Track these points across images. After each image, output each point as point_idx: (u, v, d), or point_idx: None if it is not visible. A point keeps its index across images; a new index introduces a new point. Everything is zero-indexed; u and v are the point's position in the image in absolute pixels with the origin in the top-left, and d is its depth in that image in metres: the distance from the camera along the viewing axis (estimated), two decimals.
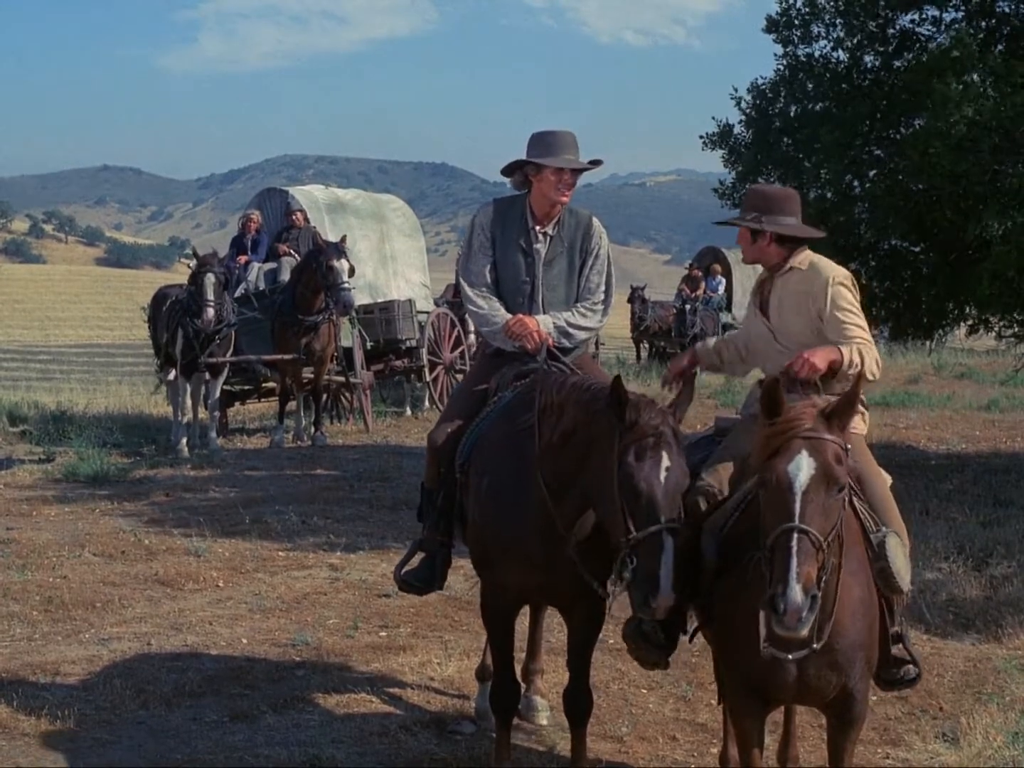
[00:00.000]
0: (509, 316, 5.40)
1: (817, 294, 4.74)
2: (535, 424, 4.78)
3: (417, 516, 5.74)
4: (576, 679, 5.13)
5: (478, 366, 5.66)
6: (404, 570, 5.60)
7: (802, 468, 3.82)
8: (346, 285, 13.83)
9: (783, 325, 4.87)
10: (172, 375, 14.50)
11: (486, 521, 4.98)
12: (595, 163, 5.51)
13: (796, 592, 3.66)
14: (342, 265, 13.84)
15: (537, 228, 5.48)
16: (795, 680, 4.11)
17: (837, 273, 4.80)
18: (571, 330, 5.47)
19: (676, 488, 4.29)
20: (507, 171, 5.56)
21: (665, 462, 4.28)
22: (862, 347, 4.63)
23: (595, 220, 5.59)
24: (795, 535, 3.73)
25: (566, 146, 5.38)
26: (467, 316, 18.08)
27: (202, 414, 14.72)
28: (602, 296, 5.56)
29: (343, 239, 14.37)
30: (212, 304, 13.34)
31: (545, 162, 5.35)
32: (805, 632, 3.74)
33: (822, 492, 3.81)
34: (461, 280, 5.65)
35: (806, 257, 4.89)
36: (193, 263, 14.00)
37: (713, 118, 12.90)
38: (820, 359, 4.53)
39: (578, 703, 5.11)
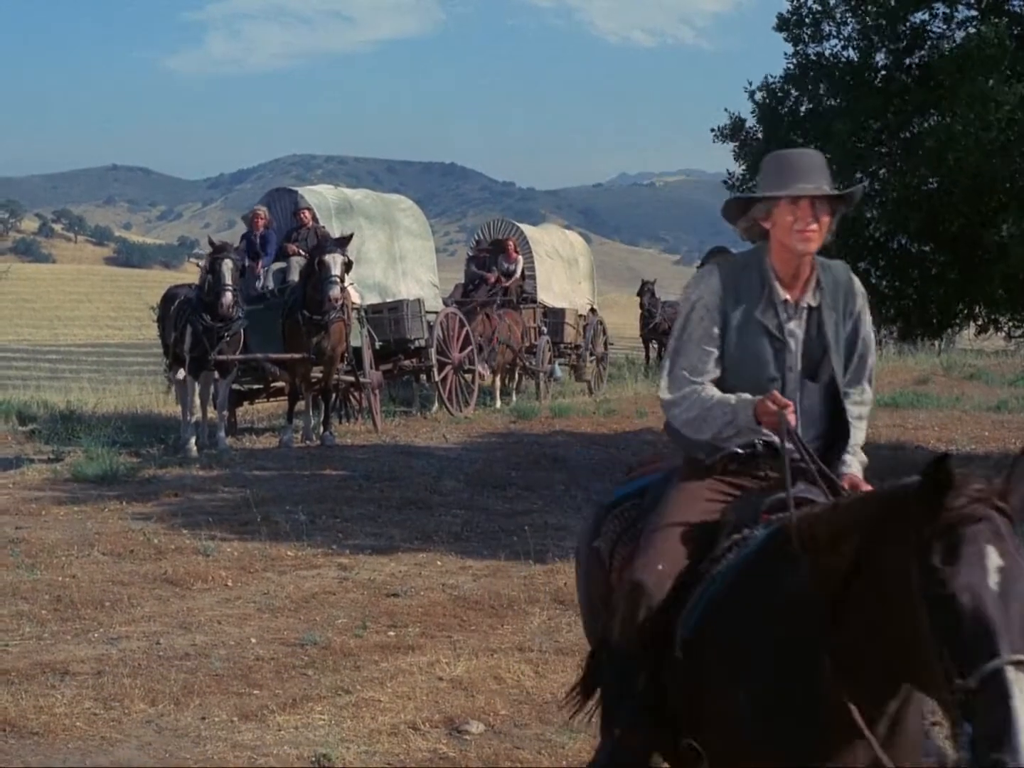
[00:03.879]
0: (744, 396, 3.72)
1: None
2: (810, 580, 3.20)
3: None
4: None
5: (695, 487, 3.82)
6: None
7: None
8: (333, 278, 13.86)
9: None
10: (181, 375, 14.52)
11: (763, 760, 3.25)
12: (847, 193, 3.79)
13: None
14: (334, 259, 13.91)
15: (788, 299, 3.77)
16: None
17: None
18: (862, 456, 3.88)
19: (1018, 600, 2.78)
20: (729, 215, 3.91)
21: (994, 560, 2.79)
22: None
23: (853, 275, 3.93)
24: None
25: (804, 170, 3.72)
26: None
27: (211, 414, 14.72)
28: (871, 382, 3.95)
29: (348, 236, 14.43)
30: (230, 288, 13.44)
31: (773, 194, 3.71)
32: None
33: None
34: (661, 385, 3.91)
35: None
36: (203, 262, 14.05)
37: (726, 110, 12.91)
38: None
39: None
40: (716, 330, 3.77)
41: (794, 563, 3.22)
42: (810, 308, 3.77)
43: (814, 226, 3.67)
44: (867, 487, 3.57)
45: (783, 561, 3.27)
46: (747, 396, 3.69)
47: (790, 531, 3.27)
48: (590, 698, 4.00)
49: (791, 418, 3.62)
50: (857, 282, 3.88)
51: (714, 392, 3.75)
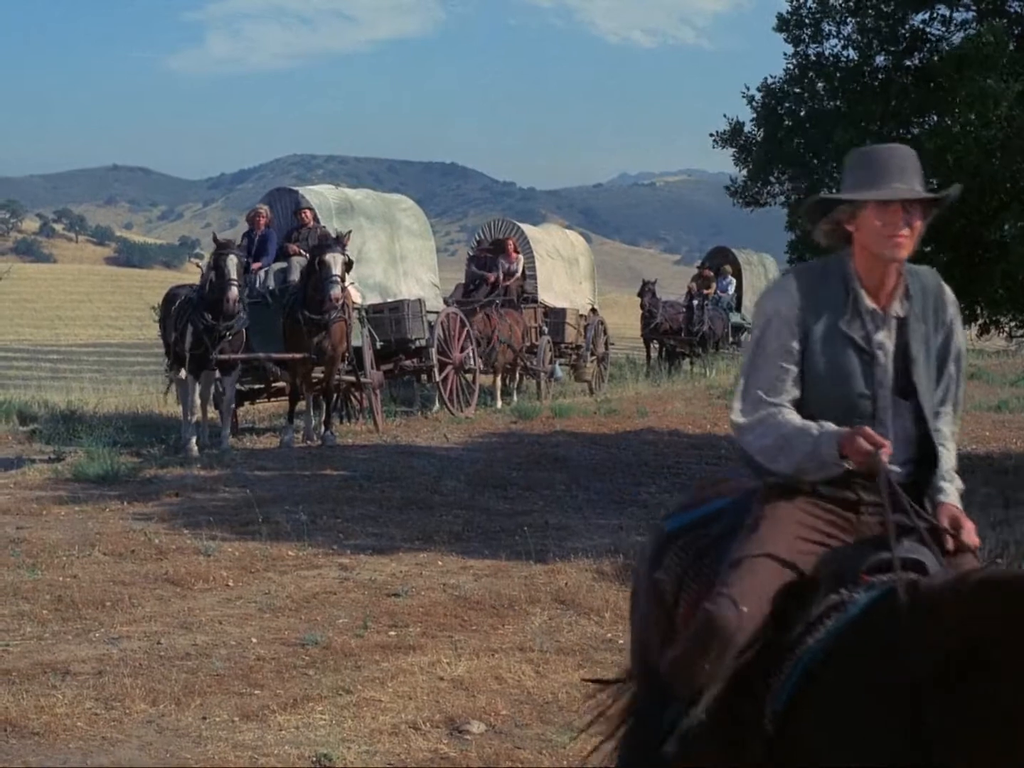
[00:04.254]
0: (828, 427, 3.35)
1: None
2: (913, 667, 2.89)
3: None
4: None
5: (784, 511, 3.40)
6: None
7: None
8: (334, 278, 13.85)
9: None
10: (182, 374, 14.53)
11: None
12: (943, 196, 3.43)
13: None
14: (334, 259, 13.90)
15: (875, 308, 3.42)
16: None
17: None
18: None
19: None
20: (810, 217, 3.59)
21: None
22: None
23: (943, 282, 3.59)
24: None
25: (895, 169, 3.35)
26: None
27: (212, 413, 14.72)
28: (961, 399, 3.59)
29: (347, 235, 14.44)
30: (236, 283, 13.44)
31: (860, 196, 3.36)
32: None
33: None
34: (734, 407, 3.53)
35: None
36: (206, 260, 14.05)
37: (724, 115, 12.92)
38: None
39: None
40: (795, 344, 3.41)
41: (902, 635, 2.92)
42: (899, 319, 3.42)
43: (905, 231, 3.33)
44: (968, 522, 3.32)
45: (889, 632, 2.96)
46: (831, 427, 3.33)
47: (898, 605, 2.98)
48: (617, 728, 3.79)
49: (887, 459, 3.23)
50: (948, 290, 3.54)
51: (793, 417, 3.39)
